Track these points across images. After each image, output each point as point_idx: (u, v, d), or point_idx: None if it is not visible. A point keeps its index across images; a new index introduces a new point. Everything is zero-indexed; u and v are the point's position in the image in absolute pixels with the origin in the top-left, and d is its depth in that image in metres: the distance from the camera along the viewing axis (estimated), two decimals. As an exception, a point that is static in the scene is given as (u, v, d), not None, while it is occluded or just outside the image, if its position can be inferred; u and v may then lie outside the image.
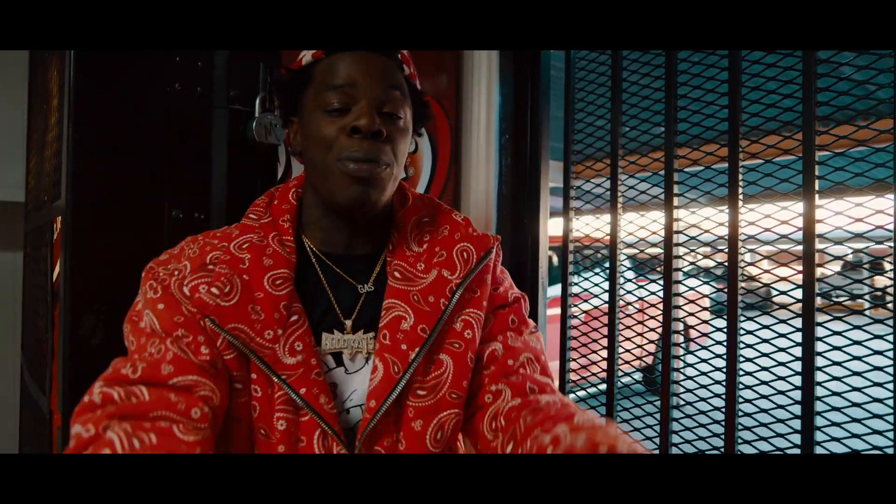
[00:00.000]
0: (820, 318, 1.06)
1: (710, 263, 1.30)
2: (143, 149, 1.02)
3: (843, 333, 1.04)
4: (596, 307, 1.46)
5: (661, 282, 1.28)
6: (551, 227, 1.55)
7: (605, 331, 1.40)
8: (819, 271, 1.07)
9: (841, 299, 1.08)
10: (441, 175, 1.46)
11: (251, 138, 1.11)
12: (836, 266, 1.12)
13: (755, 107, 1.16)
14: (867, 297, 1.12)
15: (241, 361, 0.72)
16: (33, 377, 1.37)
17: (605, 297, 1.39)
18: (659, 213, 1.29)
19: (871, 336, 1.01)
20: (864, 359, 1.01)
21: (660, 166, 1.29)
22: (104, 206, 0.98)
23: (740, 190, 1.15)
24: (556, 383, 0.84)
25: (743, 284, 1.16)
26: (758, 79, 1.15)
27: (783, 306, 1.18)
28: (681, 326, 1.29)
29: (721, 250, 1.21)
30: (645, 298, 1.36)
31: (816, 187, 1.05)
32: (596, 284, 1.46)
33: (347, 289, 0.78)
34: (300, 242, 0.80)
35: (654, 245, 1.35)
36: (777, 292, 1.16)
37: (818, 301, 1.06)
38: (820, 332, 1.05)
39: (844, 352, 1.03)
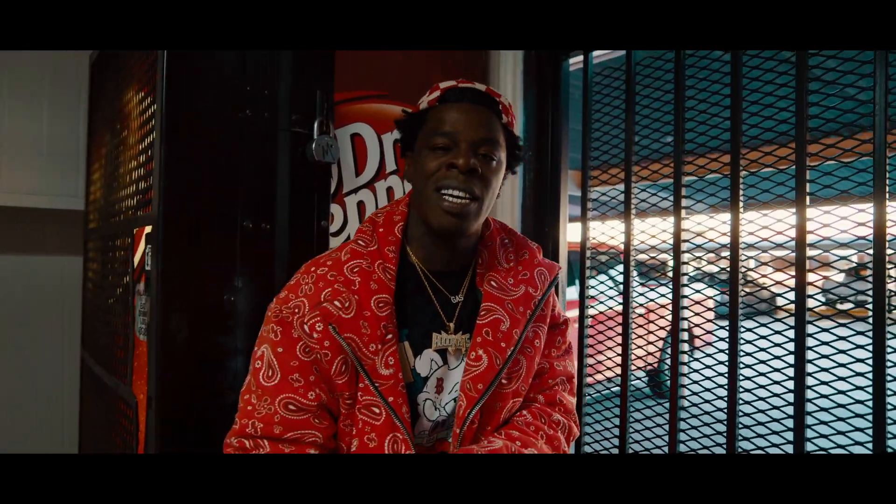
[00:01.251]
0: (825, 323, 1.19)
1: (714, 269, 1.44)
2: (219, 167, 1.18)
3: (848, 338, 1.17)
4: (601, 312, 1.60)
5: (669, 286, 1.42)
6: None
7: (618, 330, 1.54)
8: (820, 277, 1.20)
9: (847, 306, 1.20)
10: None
11: (310, 157, 1.26)
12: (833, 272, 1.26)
13: (755, 118, 1.31)
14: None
15: (348, 384, 0.86)
16: (106, 367, 1.52)
17: (609, 301, 1.54)
18: (666, 220, 1.44)
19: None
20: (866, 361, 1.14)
21: (667, 175, 1.43)
22: (189, 217, 1.14)
23: (741, 197, 1.29)
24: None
25: (746, 289, 1.30)
26: (756, 94, 1.29)
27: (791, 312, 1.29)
28: (686, 328, 1.43)
29: (724, 257, 1.35)
30: (654, 301, 1.51)
31: (808, 198, 1.19)
32: (610, 288, 1.61)
33: (444, 298, 0.94)
34: (404, 257, 0.94)
35: (663, 251, 1.50)
36: (786, 300, 1.27)
37: (811, 304, 1.20)
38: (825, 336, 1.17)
39: (850, 355, 1.15)
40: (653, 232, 1.50)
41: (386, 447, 0.84)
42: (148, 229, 1.32)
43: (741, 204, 1.29)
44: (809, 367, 1.19)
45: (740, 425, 1.28)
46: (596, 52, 1.62)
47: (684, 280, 1.40)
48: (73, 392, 2.11)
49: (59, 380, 2.20)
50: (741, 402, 1.28)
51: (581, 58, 1.62)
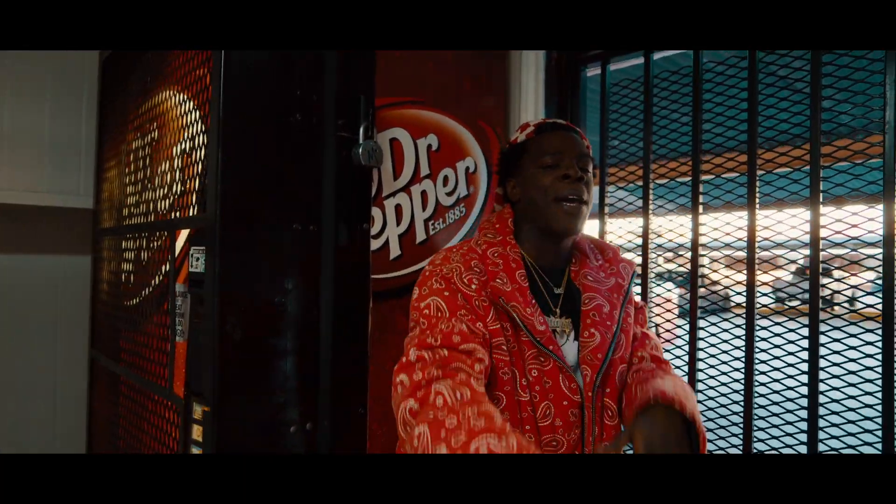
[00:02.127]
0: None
1: (680, 268, 1.54)
2: (271, 170, 1.20)
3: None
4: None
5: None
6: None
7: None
8: (776, 276, 1.36)
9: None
10: (494, 191, 1.66)
11: (356, 161, 1.29)
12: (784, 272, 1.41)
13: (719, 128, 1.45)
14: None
15: (499, 329, 1.09)
16: (134, 368, 1.51)
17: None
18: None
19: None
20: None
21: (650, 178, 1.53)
22: (244, 220, 1.15)
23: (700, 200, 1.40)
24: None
25: (706, 288, 1.42)
26: (718, 106, 1.42)
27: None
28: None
29: (681, 255, 1.48)
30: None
31: (757, 201, 1.31)
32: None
33: (549, 289, 1.18)
34: (520, 254, 1.18)
35: (629, 250, 1.61)
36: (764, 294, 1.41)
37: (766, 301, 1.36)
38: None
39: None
40: (619, 232, 1.64)
41: (561, 385, 1.08)
42: (184, 233, 1.32)
43: (700, 206, 1.43)
44: (760, 366, 1.34)
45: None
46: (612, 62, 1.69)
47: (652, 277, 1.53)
48: (68, 392, 2.06)
49: (51, 379, 2.15)
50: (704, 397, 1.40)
51: (598, 68, 1.69)
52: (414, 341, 1.06)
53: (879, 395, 1.21)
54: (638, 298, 1.33)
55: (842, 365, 1.27)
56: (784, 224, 1.32)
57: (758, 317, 1.38)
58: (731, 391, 1.44)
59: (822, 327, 1.29)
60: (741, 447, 1.37)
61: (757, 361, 1.37)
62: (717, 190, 1.48)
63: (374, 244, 1.37)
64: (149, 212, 1.46)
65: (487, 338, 1.07)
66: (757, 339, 1.37)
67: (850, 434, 1.28)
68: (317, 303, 1.25)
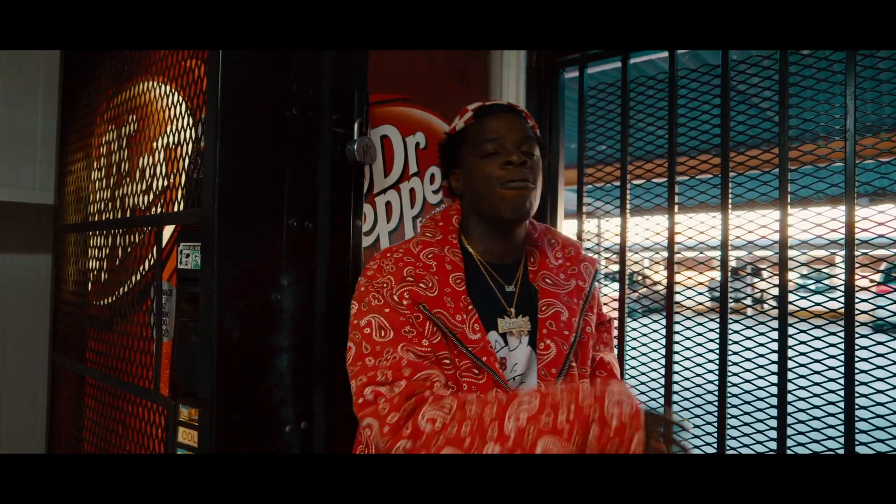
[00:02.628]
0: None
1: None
2: (268, 165, 1.18)
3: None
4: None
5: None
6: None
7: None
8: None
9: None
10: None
11: (350, 157, 1.28)
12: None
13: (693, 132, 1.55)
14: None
15: (441, 342, 0.97)
16: (110, 371, 1.45)
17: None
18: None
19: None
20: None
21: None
22: (243, 216, 1.13)
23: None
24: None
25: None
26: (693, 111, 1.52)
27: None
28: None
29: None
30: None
31: (730, 202, 1.38)
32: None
33: (500, 286, 1.08)
34: (465, 251, 1.09)
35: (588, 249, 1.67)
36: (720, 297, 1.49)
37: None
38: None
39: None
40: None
41: None
42: (169, 228, 1.28)
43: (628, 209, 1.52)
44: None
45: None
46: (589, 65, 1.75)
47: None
48: (21, 399, 1.95)
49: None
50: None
51: (577, 71, 1.74)
52: (363, 375, 0.93)
53: (842, 392, 1.31)
54: (606, 309, 1.27)
55: (807, 365, 1.36)
56: (754, 223, 1.40)
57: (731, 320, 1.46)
58: (706, 392, 1.51)
59: (790, 329, 1.38)
60: (715, 446, 1.44)
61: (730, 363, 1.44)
62: (691, 191, 1.55)
63: (366, 241, 1.37)
64: (126, 207, 1.41)
65: (435, 355, 0.96)
66: (730, 342, 1.45)
67: (814, 430, 1.37)
68: (311, 300, 1.24)
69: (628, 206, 1.60)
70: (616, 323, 1.22)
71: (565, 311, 1.05)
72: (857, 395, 1.27)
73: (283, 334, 1.19)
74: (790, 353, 1.34)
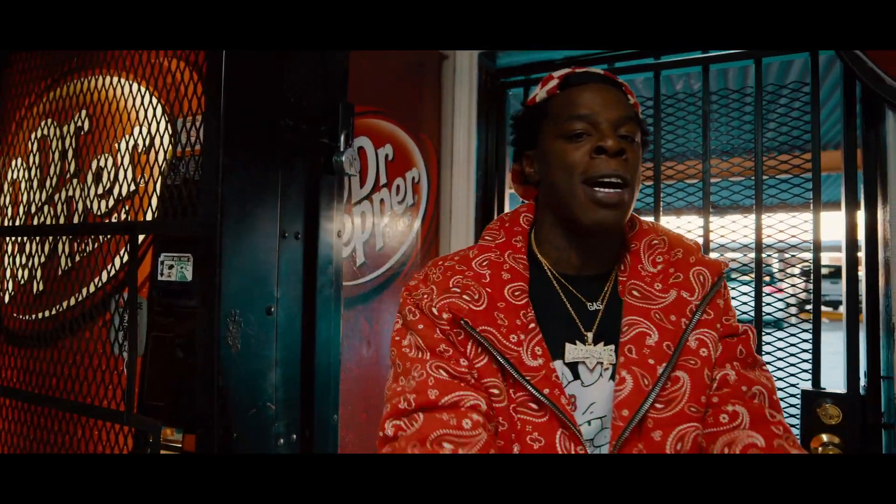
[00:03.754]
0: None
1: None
2: (264, 174, 1.15)
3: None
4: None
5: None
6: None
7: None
8: None
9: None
10: (432, 201, 1.75)
11: (337, 168, 1.29)
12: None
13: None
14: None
15: (487, 365, 0.78)
16: (63, 393, 1.30)
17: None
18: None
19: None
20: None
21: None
22: (243, 226, 1.10)
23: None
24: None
25: None
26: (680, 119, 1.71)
27: None
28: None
29: None
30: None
31: (710, 208, 1.61)
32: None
33: (579, 304, 0.84)
34: (534, 259, 0.87)
35: None
36: None
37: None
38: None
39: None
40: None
41: (559, 447, 0.75)
42: (141, 237, 1.20)
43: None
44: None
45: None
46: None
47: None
48: None
49: None
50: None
51: (522, 88, 1.87)
52: (388, 402, 0.77)
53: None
54: (737, 322, 0.88)
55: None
56: (726, 228, 1.59)
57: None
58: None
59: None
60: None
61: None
62: (669, 197, 1.71)
63: (344, 251, 1.38)
64: (73, 211, 1.28)
65: (476, 379, 0.77)
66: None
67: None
68: (300, 311, 1.23)
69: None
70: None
71: (655, 332, 0.79)
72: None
73: (276, 346, 1.17)
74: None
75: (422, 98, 1.70)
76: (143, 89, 1.20)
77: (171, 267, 1.14)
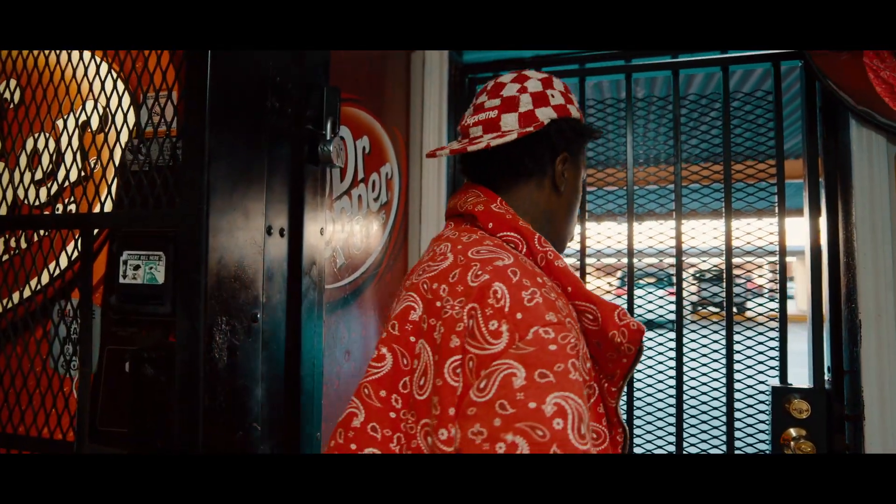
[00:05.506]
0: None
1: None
2: (247, 163, 1.01)
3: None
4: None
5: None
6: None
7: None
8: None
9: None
10: (403, 200, 1.64)
11: (323, 159, 1.16)
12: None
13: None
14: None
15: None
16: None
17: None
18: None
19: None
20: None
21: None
22: (227, 221, 0.95)
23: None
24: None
25: None
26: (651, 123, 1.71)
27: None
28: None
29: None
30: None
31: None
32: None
33: None
34: None
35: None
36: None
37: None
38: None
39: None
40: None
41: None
42: (99, 232, 1.02)
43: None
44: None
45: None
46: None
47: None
48: None
49: None
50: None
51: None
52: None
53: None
54: None
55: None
56: (696, 231, 1.61)
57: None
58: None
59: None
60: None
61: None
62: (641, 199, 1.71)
63: (326, 251, 1.25)
64: None
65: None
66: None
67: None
68: (285, 318, 1.09)
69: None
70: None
71: None
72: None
73: (261, 358, 1.03)
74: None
75: (393, 89, 1.60)
76: (96, 58, 1.02)
77: (136, 268, 0.97)
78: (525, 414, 0.54)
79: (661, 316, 1.72)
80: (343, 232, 1.32)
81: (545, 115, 0.79)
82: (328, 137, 1.17)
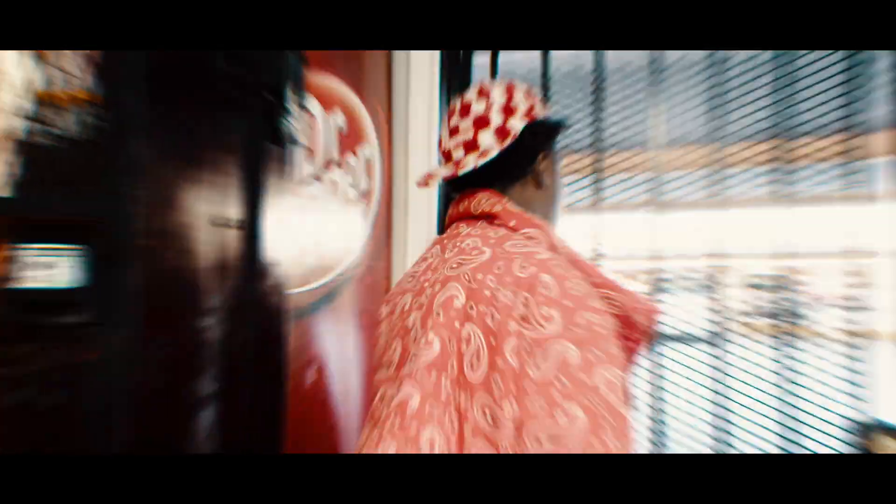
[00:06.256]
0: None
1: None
2: (191, 139, 0.82)
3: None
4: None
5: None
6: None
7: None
8: None
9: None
10: (386, 187, 1.46)
11: (286, 137, 0.97)
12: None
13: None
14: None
15: None
16: None
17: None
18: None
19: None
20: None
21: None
22: (172, 210, 0.76)
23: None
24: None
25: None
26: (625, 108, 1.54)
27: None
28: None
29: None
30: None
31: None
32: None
33: None
34: None
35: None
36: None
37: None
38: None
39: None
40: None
41: None
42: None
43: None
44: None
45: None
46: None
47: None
48: None
49: None
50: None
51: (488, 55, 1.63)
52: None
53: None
54: None
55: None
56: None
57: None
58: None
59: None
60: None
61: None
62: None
63: (291, 248, 1.06)
64: None
65: None
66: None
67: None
68: (243, 324, 0.91)
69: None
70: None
71: None
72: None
73: (209, 375, 0.84)
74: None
75: (373, 55, 1.40)
76: None
77: (49, 267, 0.78)
78: (580, 387, 0.66)
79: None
80: (313, 224, 1.14)
81: (517, 125, 0.84)
82: (291, 110, 0.98)
